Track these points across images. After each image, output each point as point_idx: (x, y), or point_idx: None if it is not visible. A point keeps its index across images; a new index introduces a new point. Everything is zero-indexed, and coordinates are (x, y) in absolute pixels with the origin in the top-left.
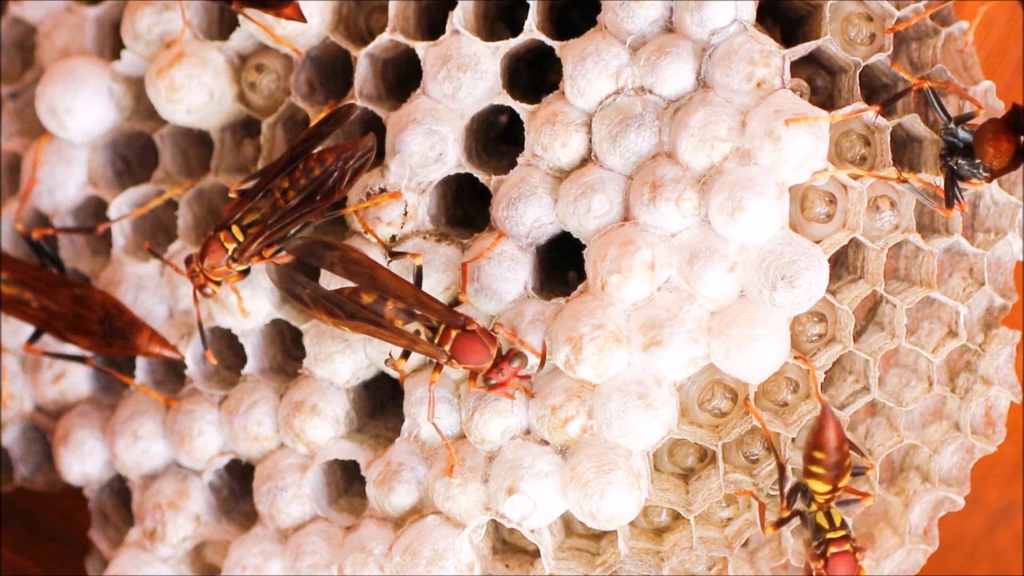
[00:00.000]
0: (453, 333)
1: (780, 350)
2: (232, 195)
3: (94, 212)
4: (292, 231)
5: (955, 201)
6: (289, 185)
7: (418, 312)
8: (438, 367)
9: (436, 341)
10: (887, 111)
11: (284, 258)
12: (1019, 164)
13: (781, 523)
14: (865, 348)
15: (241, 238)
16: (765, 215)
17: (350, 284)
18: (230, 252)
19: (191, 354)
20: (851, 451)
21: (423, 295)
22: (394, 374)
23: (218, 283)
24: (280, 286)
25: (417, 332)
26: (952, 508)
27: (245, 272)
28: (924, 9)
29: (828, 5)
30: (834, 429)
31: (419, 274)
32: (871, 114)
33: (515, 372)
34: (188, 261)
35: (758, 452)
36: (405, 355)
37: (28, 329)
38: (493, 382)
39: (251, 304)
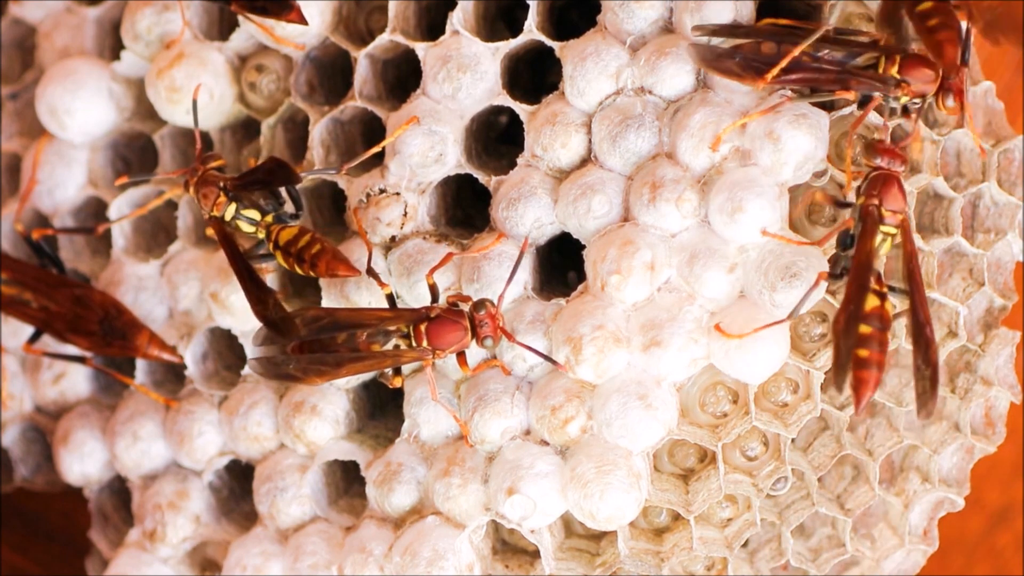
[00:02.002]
0: (423, 327)
1: (780, 351)
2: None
3: (94, 213)
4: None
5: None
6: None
7: (389, 329)
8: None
9: (412, 343)
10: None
11: (266, 269)
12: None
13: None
14: None
15: (227, 218)
16: (765, 215)
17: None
18: (211, 212)
19: (191, 355)
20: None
21: (381, 311)
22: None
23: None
24: (268, 376)
25: (397, 346)
26: (952, 509)
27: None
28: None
29: (828, 5)
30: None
31: (391, 300)
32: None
33: (493, 315)
34: (195, 170)
35: (756, 449)
36: (396, 371)
37: (28, 329)
38: (490, 341)
39: None
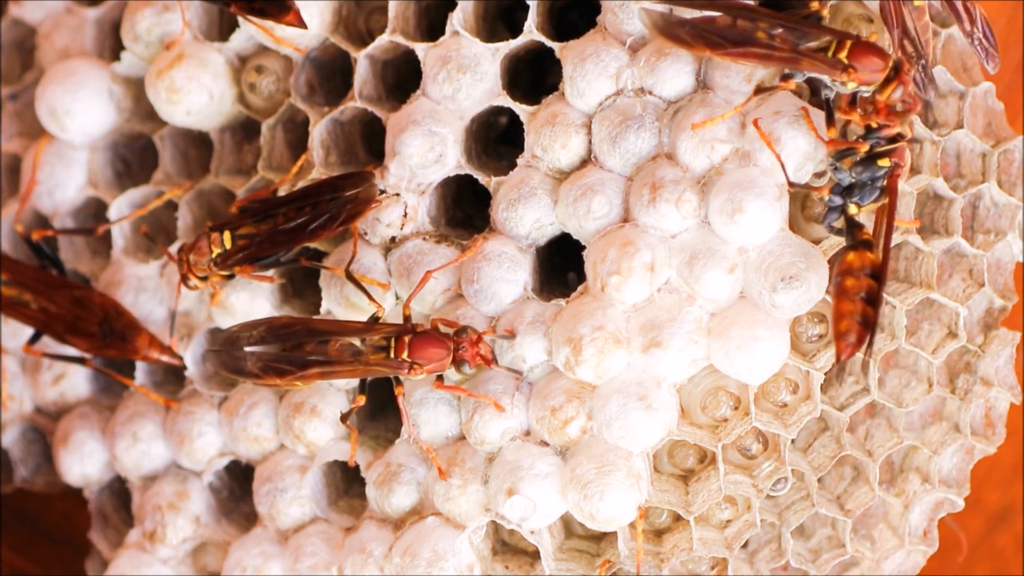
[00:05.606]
0: (406, 339)
1: (780, 351)
2: (233, 211)
3: (94, 213)
4: (277, 254)
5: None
6: (285, 220)
7: (364, 339)
8: (400, 383)
9: (392, 355)
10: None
11: (267, 279)
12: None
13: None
14: None
15: (229, 246)
16: (765, 216)
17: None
18: (213, 256)
19: (191, 355)
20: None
21: (362, 323)
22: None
23: (202, 278)
24: (223, 369)
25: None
26: (952, 509)
27: (229, 276)
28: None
29: (828, 6)
30: None
31: (375, 319)
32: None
33: (474, 340)
34: (180, 249)
35: (753, 447)
36: (361, 389)
37: (28, 330)
38: (466, 365)
39: (251, 306)
